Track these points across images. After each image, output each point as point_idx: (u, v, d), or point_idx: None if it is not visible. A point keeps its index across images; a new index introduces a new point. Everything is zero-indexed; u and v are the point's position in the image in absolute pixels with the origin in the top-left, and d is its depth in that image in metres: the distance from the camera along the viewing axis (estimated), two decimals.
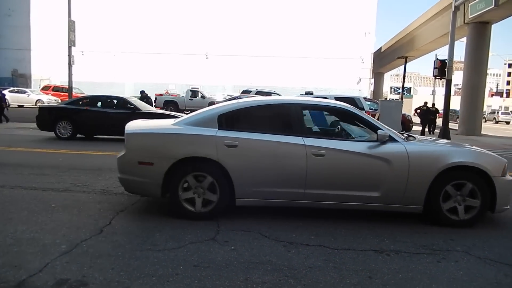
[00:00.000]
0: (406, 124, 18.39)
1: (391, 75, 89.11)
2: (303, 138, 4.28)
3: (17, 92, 28.63)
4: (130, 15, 37.60)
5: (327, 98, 13.78)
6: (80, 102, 12.60)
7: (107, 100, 12.67)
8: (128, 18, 37.52)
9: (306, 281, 2.97)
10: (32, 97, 27.98)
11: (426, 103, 20.62)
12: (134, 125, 4.79)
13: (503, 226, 4.52)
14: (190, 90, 26.09)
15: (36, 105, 26.27)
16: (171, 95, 26.99)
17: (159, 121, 5.36)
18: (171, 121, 4.83)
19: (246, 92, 24.44)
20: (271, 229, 4.09)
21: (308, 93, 14.01)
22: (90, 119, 11.96)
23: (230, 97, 24.41)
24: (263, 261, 3.29)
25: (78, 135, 12.14)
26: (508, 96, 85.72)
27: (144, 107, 12.74)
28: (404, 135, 5.03)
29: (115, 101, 12.52)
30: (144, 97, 17.49)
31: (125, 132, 4.52)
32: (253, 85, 29.27)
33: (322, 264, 3.29)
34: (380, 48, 50.94)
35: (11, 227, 3.87)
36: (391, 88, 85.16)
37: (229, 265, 3.19)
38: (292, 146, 4.25)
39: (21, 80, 37.87)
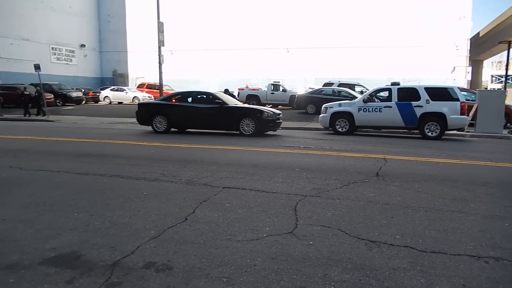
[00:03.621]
0: (510, 116, 16.40)
1: (492, 62, 79.78)
2: None
3: (117, 90, 32.20)
4: (213, 13, 39.08)
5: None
6: (173, 98, 13.43)
7: (197, 96, 13.31)
8: (211, 16, 39.05)
9: (389, 283, 2.79)
10: (129, 94, 31.12)
11: None
12: None
13: None
14: (272, 84, 26.26)
15: (133, 101, 29.02)
16: (253, 89, 27.47)
17: None
18: None
19: (328, 85, 23.88)
20: (351, 225, 3.93)
21: (395, 84, 13.21)
22: (182, 113, 12.71)
23: (311, 89, 24.07)
24: (343, 259, 3.17)
25: (172, 129, 13.03)
26: None
27: (231, 101, 13.18)
28: None
29: (204, 97, 13.09)
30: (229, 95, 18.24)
31: None
32: (335, 77, 28.40)
33: (408, 266, 3.06)
34: (478, 33, 45.92)
35: (110, 212, 4.29)
36: (492, 76, 76.40)
37: (307, 260, 3.13)
38: None
39: (120, 79, 41.98)
